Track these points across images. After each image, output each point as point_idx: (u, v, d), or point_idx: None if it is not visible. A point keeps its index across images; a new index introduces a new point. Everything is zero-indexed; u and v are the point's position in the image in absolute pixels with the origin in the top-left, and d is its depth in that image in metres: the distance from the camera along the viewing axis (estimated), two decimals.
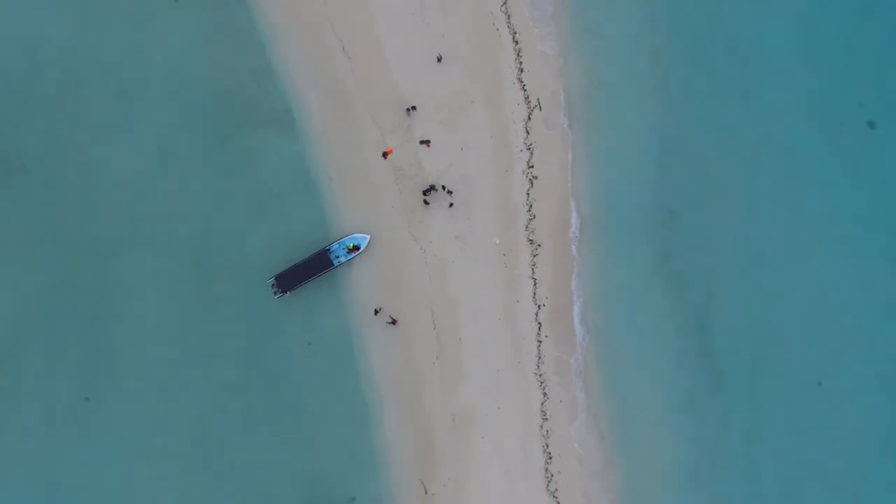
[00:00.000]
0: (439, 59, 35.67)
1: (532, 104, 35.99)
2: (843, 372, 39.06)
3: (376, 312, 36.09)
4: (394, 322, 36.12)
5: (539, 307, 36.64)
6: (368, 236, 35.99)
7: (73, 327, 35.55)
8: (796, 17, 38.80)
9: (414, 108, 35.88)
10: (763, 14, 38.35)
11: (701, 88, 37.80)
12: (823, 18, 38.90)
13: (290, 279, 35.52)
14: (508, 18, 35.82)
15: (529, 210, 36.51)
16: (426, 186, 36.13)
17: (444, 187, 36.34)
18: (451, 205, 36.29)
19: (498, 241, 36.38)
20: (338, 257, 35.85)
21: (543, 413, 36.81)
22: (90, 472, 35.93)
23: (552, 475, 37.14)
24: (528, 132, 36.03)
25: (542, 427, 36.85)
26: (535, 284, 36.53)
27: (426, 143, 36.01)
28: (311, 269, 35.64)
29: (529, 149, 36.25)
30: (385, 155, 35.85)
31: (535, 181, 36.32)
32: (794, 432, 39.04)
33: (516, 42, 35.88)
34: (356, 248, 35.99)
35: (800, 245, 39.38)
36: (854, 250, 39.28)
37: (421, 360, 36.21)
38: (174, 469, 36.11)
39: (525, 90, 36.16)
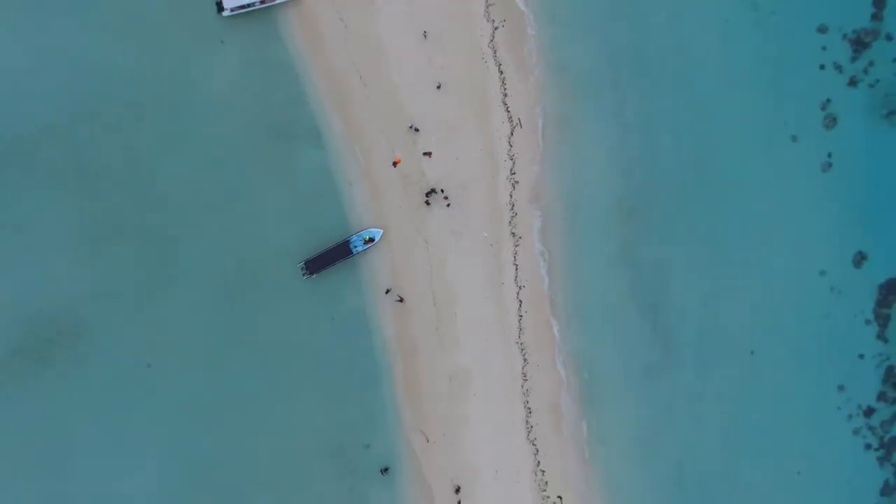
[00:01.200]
0: (438, 87, 43.72)
1: (514, 123, 44.07)
2: (771, 343, 47.20)
3: (387, 292, 44.11)
4: (401, 300, 44.08)
5: (520, 288, 44.67)
6: (381, 230, 43.91)
7: (141, 303, 43.32)
8: (731, 51, 46.93)
9: (417, 129, 43.78)
10: (703, 49, 46.49)
11: (652, 110, 46.12)
12: (755, 53, 47.06)
13: (317, 264, 43.48)
14: (495, 53, 43.95)
15: (512, 209, 44.57)
16: (428, 190, 44.15)
17: (442, 191, 44.29)
18: (448, 205, 44.25)
19: (486, 235, 44.45)
20: (356, 247, 43.78)
21: (524, 375, 44.76)
22: (153, 424, 43.66)
23: (531, 427, 45.05)
24: (510, 145, 44.17)
25: (522, 386, 44.76)
26: (516, 270, 44.59)
27: (428, 154, 44.02)
28: (334, 256, 43.59)
29: (512, 159, 44.34)
30: (394, 164, 43.90)
31: (516, 185, 44.37)
32: (730, 392, 47.14)
33: (501, 72, 44.05)
34: (371, 239, 43.91)
35: (738, 238, 47.49)
36: (782, 242, 47.42)
37: (423, 332, 44.35)
38: (222, 418, 43.86)
39: (508, 111, 44.29)
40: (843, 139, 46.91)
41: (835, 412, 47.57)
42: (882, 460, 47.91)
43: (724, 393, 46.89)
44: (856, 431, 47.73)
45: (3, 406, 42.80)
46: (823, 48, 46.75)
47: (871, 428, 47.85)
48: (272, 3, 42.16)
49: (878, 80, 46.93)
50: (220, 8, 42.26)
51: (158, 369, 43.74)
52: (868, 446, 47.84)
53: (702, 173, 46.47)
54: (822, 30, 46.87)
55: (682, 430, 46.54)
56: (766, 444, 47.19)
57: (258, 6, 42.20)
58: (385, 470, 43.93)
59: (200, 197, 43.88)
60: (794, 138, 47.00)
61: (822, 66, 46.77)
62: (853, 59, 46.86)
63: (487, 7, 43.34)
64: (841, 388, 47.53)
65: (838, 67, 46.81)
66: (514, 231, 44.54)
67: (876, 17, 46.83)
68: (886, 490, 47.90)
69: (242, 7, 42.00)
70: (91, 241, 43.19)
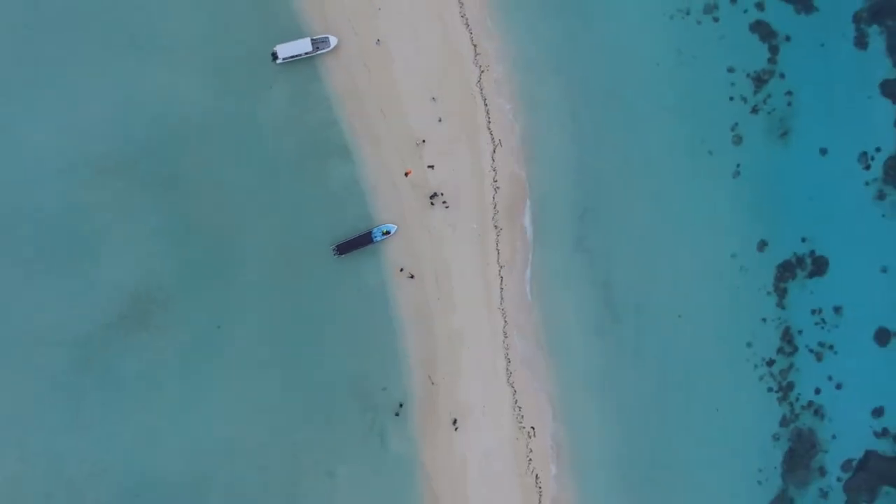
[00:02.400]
0: (440, 121, 57.68)
1: (496, 143, 58.16)
2: (694, 310, 61.05)
3: (400, 270, 57.91)
4: (411, 276, 57.87)
5: (501, 267, 58.60)
6: (396, 226, 57.63)
7: (212, 280, 56.73)
8: (662, 86, 60.71)
9: (424, 141, 57.71)
10: (641, 85, 60.34)
11: (602, 133, 59.95)
12: (680, 87, 60.95)
13: (346, 247, 57.13)
14: (481, 90, 58.00)
15: (495, 207, 58.52)
16: (431, 193, 57.99)
17: (441, 194, 58.12)
18: (446, 205, 58.07)
19: (475, 227, 58.38)
20: (376, 237, 57.46)
21: (504, 333, 58.64)
22: (222, 371, 57.13)
23: (511, 373, 58.90)
24: (493, 160, 58.27)
25: (503, 342, 58.63)
26: (498, 254, 58.49)
27: (431, 166, 57.90)
28: (359, 242, 57.22)
29: (494, 170, 58.37)
30: (406, 174, 57.79)
31: (498, 190, 58.36)
32: (663, 347, 60.96)
33: (486, 104, 58.09)
34: (387, 232, 57.60)
35: (668, 230, 61.33)
36: (702, 232, 61.25)
37: (428, 301, 58.13)
38: (275, 367, 57.22)
39: (492, 134, 58.28)
40: (747, 153, 61.21)
41: (744, 363, 61.66)
42: (780, 399, 61.97)
43: (658, 348, 60.81)
44: (761, 378, 61.79)
45: (114, 358, 56.46)
46: (732, 84, 61.09)
47: (772, 375, 61.91)
48: (314, 54, 56.16)
49: (774, 109, 61.29)
50: (275, 57, 56.35)
51: (226, 329, 57.39)
52: (770, 389, 61.92)
53: (639, 181, 60.56)
54: (731, 70, 61.11)
55: (625, 375, 60.43)
56: (691, 388, 61.08)
57: (303, 56, 56.21)
58: (400, 406, 57.77)
59: (257, 199, 57.29)
60: (711, 152, 61.21)
61: (731, 98, 61.10)
62: (755, 93, 61.26)
63: (476, 56, 57.57)
64: (749, 344, 61.63)
65: (744, 99, 61.20)
66: (496, 224, 58.65)
67: (771, 60, 61.15)
68: (784, 422, 61.92)
69: (292, 57, 56.01)
70: (177, 233, 56.54)
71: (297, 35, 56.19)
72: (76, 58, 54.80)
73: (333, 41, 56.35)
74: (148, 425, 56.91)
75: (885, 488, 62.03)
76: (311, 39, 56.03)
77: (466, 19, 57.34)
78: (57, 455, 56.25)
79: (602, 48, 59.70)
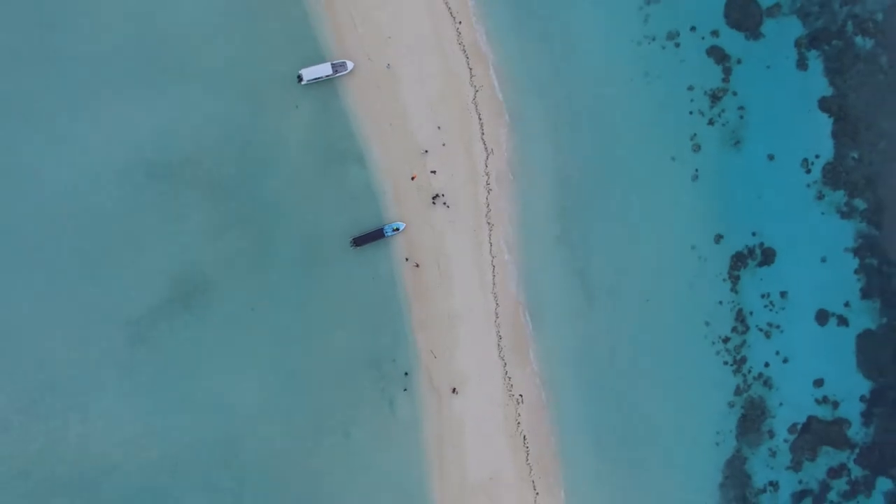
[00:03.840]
0: (439, 128, 67.39)
1: (488, 151, 67.94)
2: (659, 294, 69.87)
3: (407, 260, 67.24)
4: (417, 265, 67.40)
5: (493, 258, 67.96)
6: (404, 224, 67.01)
7: (247, 267, 64.18)
8: (632, 102, 69.15)
9: (426, 152, 67.37)
10: (614, 101, 68.98)
11: (581, 142, 68.48)
12: (648, 102, 70.01)
13: (361, 241, 65.56)
14: (476, 107, 67.69)
15: (487, 207, 68.06)
16: (434, 195, 67.46)
17: (442, 195, 67.63)
18: (446, 205, 67.61)
19: (471, 223, 67.88)
20: (387, 233, 66.57)
21: (496, 314, 67.98)
22: (255, 348, 66.26)
23: (502, 348, 68.04)
24: (486, 166, 67.83)
25: (495, 322, 67.87)
26: (490, 246, 67.94)
27: (433, 172, 67.49)
28: (373, 237, 65.88)
29: (487, 174, 67.94)
30: (412, 178, 67.27)
31: (490, 192, 68.04)
32: (633, 328, 69.99)
33: (480, 119, 67.66)
34: (397, 229, 66.88)
35: (636, 226, 69.33)
36: (666, 227, 69.51)
37: (431, 286, 66.98)
38: (300, 343, 65.78)
39: (485, 144, 67.86)
40: (705, 159, 69.10)
41: (703, 340, 69.96)
42: (735, 371, 70.64)
43: (628, 327, 68.84)
44: (717, 353, 70.19)
45: (161, 335, 65.85)
46: (691, 100, 69.14)
47: (727, 350, 70.58)
48: (334, 77, 65.65)
49: (727, 121, 69.68)
50: (300, 80, 64.80)
51: (259, 311, 65.73)
52: (725, 362, 70.41)
53: (611, 183, 68.53)
54: (691, 88, 69.47)
55: (598, 350, 68.74)
56: (657, 362, 69.64)
57: (324, 79, 65.68)
58: (406, 375, 67.18)
59: (286, 199, 63.61)
60: (674, 158, 69.65)
61: (690, 112, 69.32)
62: (711, 107, 69.56)
63: (471, 77, 67.43)
64: (707, 323, 70.00)
65: (701, 113, 69.36)
66: (488, 221, 68.19)
67: (725, 80, 69.90)
68: (738, 391, 70.49)
69: (314, 79, 65.07)
70: (216, 229, 63.59)
71: (319, 60, 64.72)
72: (134, 81, 62.54)
73: (350, 65, 64.81)
74: (190, 392, 65.72)
75: (825, 448, 71.35)
76: (331, 64, 64.28)
77: (463, 46, 66.99)
78: (114, 418, 65.04)
79: (580, 69, 67.75)
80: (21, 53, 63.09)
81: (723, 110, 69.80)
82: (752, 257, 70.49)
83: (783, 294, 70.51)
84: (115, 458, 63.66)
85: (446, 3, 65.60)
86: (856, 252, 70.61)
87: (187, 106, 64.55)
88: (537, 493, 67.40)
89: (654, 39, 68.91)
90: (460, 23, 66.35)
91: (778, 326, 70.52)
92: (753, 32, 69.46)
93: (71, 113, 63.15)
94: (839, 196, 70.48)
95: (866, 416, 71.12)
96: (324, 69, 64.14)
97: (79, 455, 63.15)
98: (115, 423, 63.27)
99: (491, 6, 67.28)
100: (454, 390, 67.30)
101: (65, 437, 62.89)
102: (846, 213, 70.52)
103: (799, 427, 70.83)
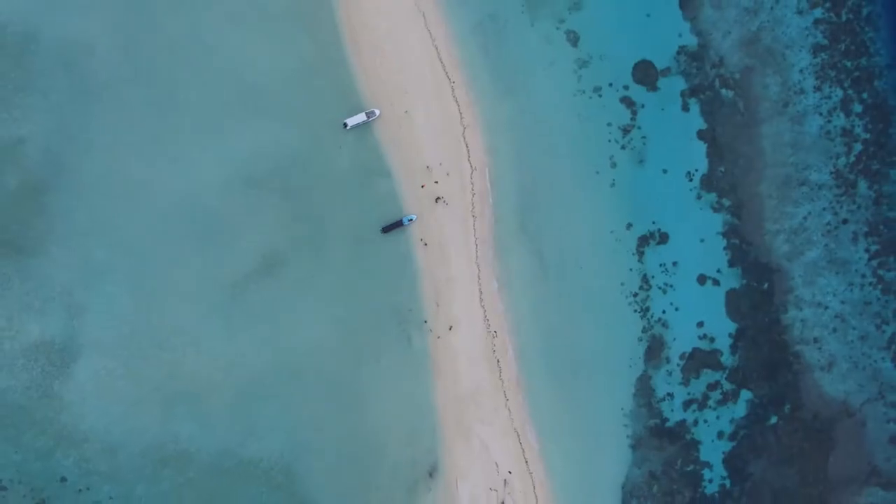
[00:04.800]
0: (440, 153, 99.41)
1: (473, 168, 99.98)
2: (591, 264, 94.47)
3: (420, 241, 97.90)
4: (425, 244, 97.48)
5: (476, 239, 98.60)
6: (416, 215, 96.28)
7: (306, 251, 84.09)
8: (575, 132, 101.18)
9: (429, 167, 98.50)
10: (562, 133, 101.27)
11: (536, 162, 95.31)
12: (588, 131, 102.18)
13: (388, 229, 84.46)
14: (465, 138, 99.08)
15: (472, 206, 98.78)
16: (436, 197, 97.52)
17: (442, 197, 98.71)
18: (446, 204, 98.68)
19: (462, 216, 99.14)
20: (405, 223, 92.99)
21: (479, 278, 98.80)
22: (313, 307, 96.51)
23: (482, 299, 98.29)
24: (472, 180, 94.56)
25: (478, 283, 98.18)
26: (475, 231, 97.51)
27: (436, 182, 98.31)
28: (395, 226, 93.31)
29: (472, 184, 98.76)
30: (422, 187, 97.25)
31: (474, 195, 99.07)
32: (573, 289, 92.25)
33: (467, 145, 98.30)
34: (412, 220, 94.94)
35: (576, 220, 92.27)
36: (596, 220, 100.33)
37: (434, 258, 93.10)
38: (343, 302, 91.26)
39: (471, 163, 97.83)
40: (619, 172, 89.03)
41: (619, 295, 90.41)
42: (641, 317, 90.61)
43: (569, 289, 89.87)
44: (629, 304, 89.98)
45: (250, 294, 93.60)
46: (610, 132, 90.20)
47: (636, 302, 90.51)
48: (368, 121, 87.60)
49: (635, 146, 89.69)
50: (345, 126, 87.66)
51: (317, 278, 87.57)
52: (635, 311, 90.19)
53: (557, 191, 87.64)
54: (609, 124, 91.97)
55: (550, 305, 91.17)
56: (589, 311, 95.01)
57: (361, 123, 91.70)
58: (424, 322, 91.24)
59: (335, 203, 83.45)
60: (598, 172, 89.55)
61: (609, 140, 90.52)
62: (623, 137, 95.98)
63: (461, 118, 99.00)
64: (622, 283, 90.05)
65: (617, 141, 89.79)
66: (473, 214, 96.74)
67: (633, 118, 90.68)
68: (644, 330, 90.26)
69: (354, 125, 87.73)
70: (289, 220, 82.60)
71: (358, 109, 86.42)
72: (233, 118, 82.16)
73: (378, 112, 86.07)
74: (271, 334, 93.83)
75: (705, 370, 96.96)
76: (365, 112, 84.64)
77: (456, 98, 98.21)
78: (218, 351, 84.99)
79: (536, 113, 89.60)
80: (154, 102, 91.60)
81: (631, 139, 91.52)
82: (653, 239, 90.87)
83: (675, 263, 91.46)
84: (217, 378, 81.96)
85: (445, 70, 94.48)
86: (724, 235, 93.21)
87: (270, 137, 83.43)
88: (507, 399, 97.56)
89: (584, 92, 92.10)
90: (454, 82, 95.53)
91: (671, 286, 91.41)
92: (652, 86, 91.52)
93: (190, 141, 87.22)
94: (712, 197, 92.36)
95: (733, 348, 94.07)
96: (360, 117, 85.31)
97: (193, 375, 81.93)
98: (219, 354, 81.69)
99: (476, 75, 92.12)
100: (450, 328, 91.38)
101: (183, 363, 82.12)
102: (717, 209, 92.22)
103: (686, 355, 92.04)
